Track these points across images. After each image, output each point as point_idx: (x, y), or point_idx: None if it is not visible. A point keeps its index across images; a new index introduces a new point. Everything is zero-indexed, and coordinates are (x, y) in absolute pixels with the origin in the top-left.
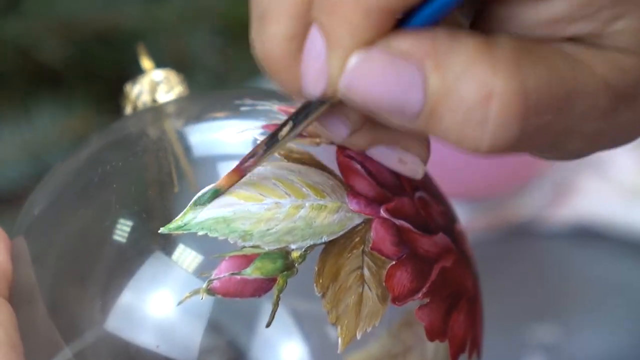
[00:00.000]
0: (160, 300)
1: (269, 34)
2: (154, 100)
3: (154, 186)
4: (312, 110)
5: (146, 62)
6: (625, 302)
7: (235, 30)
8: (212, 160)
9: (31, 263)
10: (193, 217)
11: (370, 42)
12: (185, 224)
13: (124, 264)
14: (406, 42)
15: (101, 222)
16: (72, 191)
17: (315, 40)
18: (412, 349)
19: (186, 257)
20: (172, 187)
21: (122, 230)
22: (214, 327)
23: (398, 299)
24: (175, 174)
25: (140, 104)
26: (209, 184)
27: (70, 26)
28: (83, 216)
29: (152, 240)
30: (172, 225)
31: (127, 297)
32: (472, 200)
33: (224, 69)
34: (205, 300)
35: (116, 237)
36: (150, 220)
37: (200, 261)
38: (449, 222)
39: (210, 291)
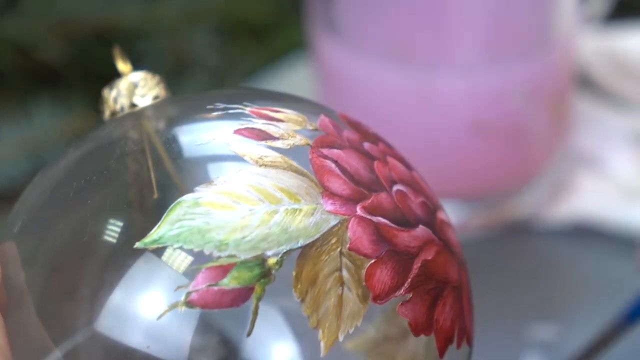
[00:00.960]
0: (151, 300)
1: None
2: (132, 104)
3: (138, 190)
4: None
5: (122, 65)
6: (622, 300)
7: (235, 29)
8: (186, 166)
9: (20, 267)
10: (168, 230)
11: None
12: (160, 237)
13: (115, 265)
14: None
15: (90, 224)
16: (61, 193)
17: None
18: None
19: (176, 257)
20: (152, 193)
21: (112, 230)
22: (204, 327)
23: (379, 297)
24: (154, 179)
25: (118, 108)
26: (166, 185)
27: (70, 25)
28: (72, 218)
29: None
30: (148, 239)
31: (118, 298)
32: (470, 198)
33: (224, 68)
34: None
35: (106, 238)
36: (138, 222)
37: (190, 262)
38: (429, 213)
39: (188, 304)
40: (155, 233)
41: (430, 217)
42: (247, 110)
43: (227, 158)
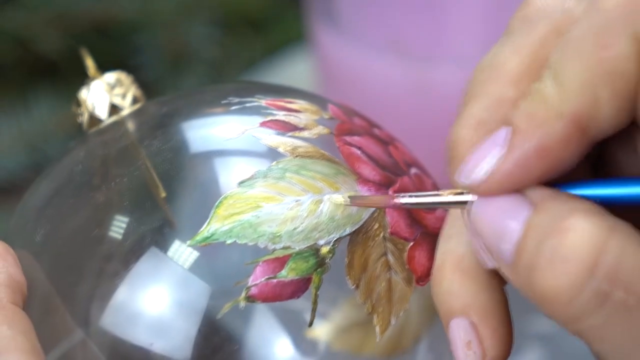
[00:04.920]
0: (155, 297)
1: (466, 113)
2: (112, 105)
3: (146, 189)
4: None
5: (91, 67)
6: None
7: (233, 21)
8: (221, 160)
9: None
10: (220, 226)
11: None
12: (212, 235)
13: (119, 261)
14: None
15: (96, 219)
16: (67, 193)
17: (499, 135)
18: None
19: (182, 253)
20: (160, 191)
21: (118, 226)
22: (208, 324)
23: (421, 279)
24: (160, 181)
25: (97, 111)
26: (204, 182)
27: (68, 18)
28: (78, 214)
29: (148, 237)
30: (199, 237)
31: (122, 294)
32: None
33: (222, 61)
34: (199, 297)
35: (112, 234)
36: (146, 218)
37: (196, 257)
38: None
39: (249, 298)
40: (206, 230)
41: None
42: (263, 102)
43: (261, 151)
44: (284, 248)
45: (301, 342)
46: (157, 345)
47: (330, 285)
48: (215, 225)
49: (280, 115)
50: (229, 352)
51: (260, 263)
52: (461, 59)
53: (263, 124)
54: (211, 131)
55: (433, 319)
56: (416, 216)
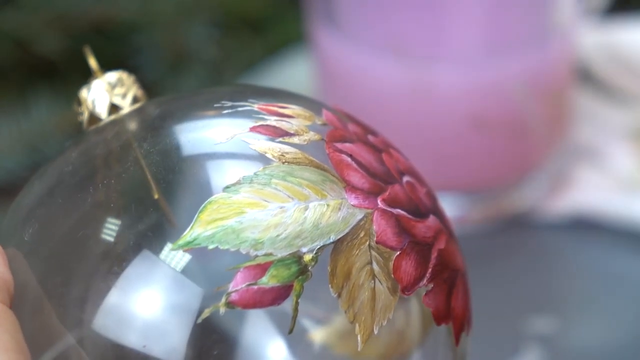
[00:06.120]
0: (148, 299)
1: None
2: (113, 104)
3: (138, 190)
4: None
5: (94, 66)
6: (622, 293)
7: (233, 22)
8: (208, 165)
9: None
10: (202, 231)
11: None
12: (194, 239)
13: (111, 263)
14: None
15: (87, 221)
16: (58, 193)
17: None
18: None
19: (174, 255)
20: (153, 192)
21: (110, 229)
22: (201, 326)
23: (406, 289)
24: (153, 182)
25: (97, 110)
26: (191, 186)
27: (68, 19)
28: (68, 215)
29: (140, 239)
30: (181, 241)
31: (114, 296)
32: (469, 192)
33: (222, 62)
34: (193, 299)
35: (104, 236)
36: (138, 219)
37: (188, 259)
38: (434, 202)
39: (229, 305)
40: (189, 234)
41: (435, 206)
42: (255, 107)
43: (249, 156)
44: (266, 255)
45: (297, 345)
46: (149, 348)
47: (329, 290)
48: (197, 230)
49: (272, 121)
50: (223, 355)
51: (242, 269)
52: (461, 59)
53: (253, 129)
54: (201, 135)
55: (430, 326)
56: (405, 225)
